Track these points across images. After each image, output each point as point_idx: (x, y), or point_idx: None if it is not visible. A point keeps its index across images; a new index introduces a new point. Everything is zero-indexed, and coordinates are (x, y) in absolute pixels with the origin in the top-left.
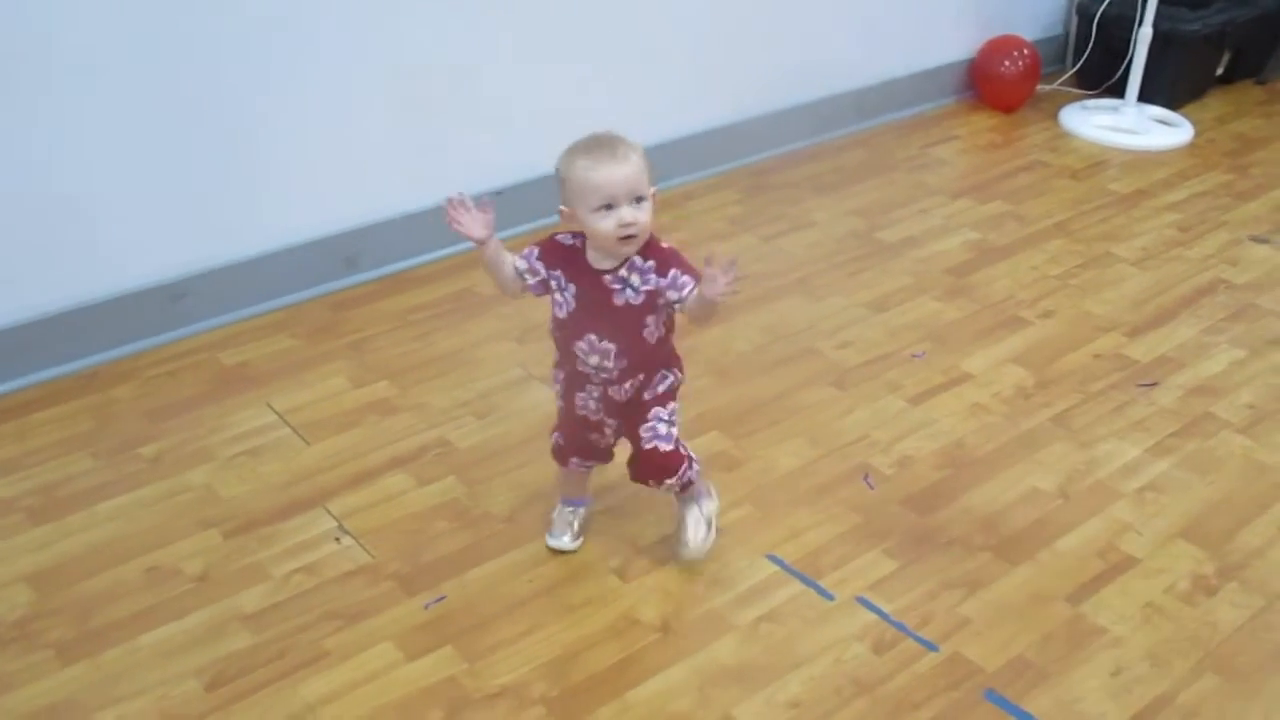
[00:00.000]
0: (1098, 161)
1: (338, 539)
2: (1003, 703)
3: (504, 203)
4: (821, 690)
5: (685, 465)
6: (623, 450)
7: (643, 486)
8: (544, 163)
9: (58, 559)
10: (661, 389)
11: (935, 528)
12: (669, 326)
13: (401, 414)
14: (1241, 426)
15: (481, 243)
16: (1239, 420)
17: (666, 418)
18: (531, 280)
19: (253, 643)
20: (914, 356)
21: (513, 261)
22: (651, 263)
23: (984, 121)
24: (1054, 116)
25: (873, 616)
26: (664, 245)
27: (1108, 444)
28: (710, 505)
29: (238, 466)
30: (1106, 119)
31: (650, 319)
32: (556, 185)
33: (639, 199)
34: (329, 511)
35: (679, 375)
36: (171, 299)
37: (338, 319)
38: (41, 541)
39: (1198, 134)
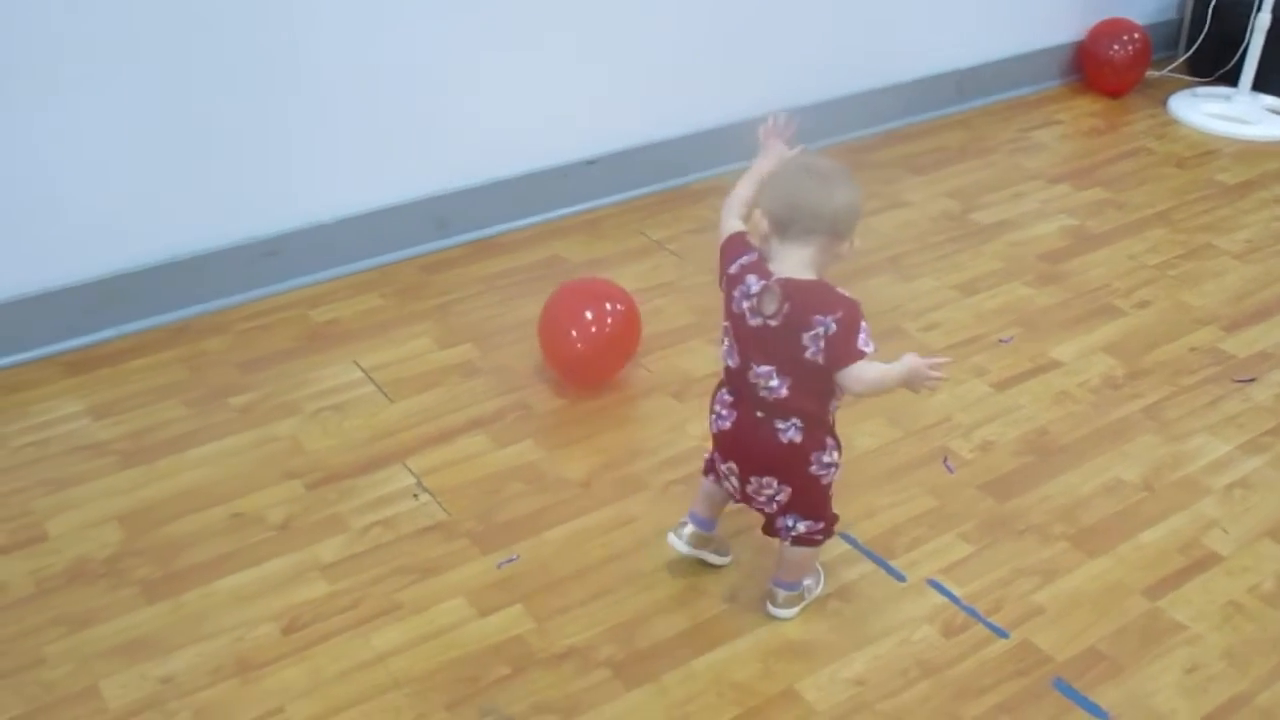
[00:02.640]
0: (1206, 151)
1: (416, 495)
2: (1071, 693)
3: (594, 172)
4: (887, 670)
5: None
6: None
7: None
8: (640, 131)
9: (147, 501)
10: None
11: (1013, 514)
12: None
13: (483, 376)
14: None
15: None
16: None
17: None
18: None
19: (329, 591)
20: (1001, 341)
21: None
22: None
23: (1088, 106)
24: (1162, 104)
25: (943, 599)
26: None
27: (1198, 438)
28: (814, 586)
29: (323, 420)
30: (1217, 107)
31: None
32: (844, 214)
33: None
34: (408, 468)
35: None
36: (265, 255)
37: (426, 281)
38: (133, 484)
39: None
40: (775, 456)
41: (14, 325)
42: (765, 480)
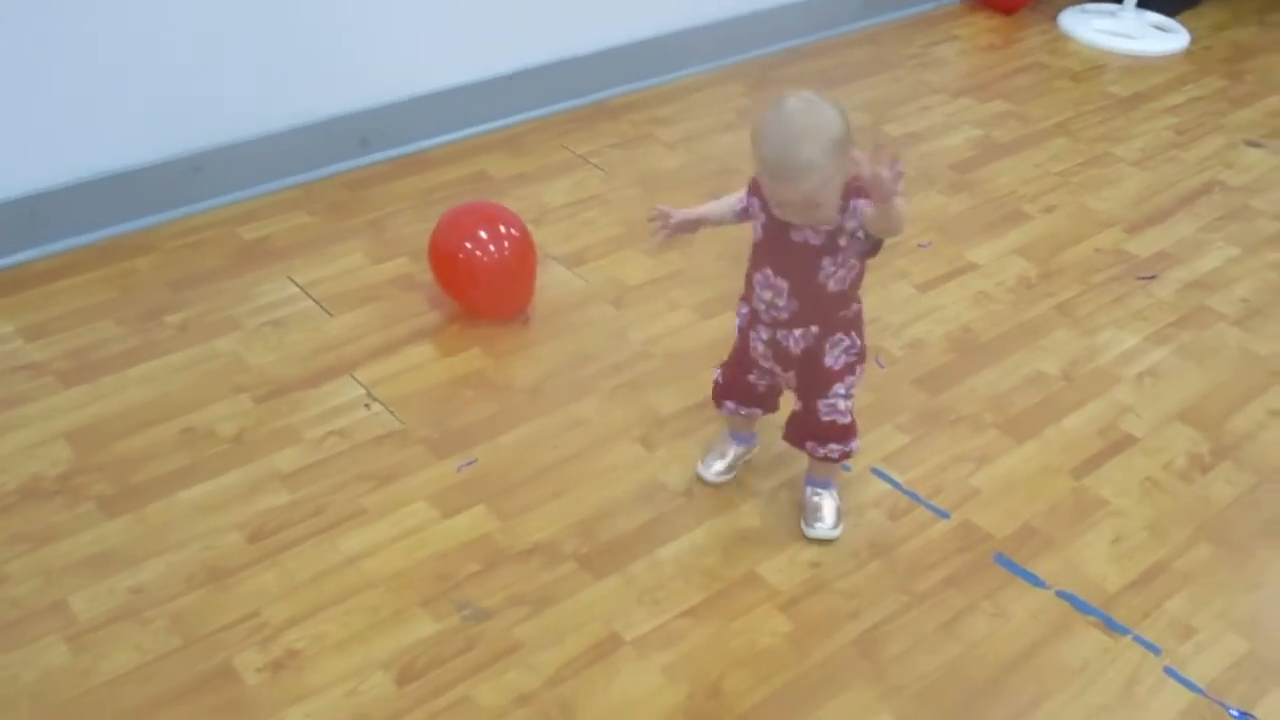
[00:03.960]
0: (1097, 65)
1: (367, 405)
2: (1011, 565)
3: (514, 87)
4: (840, 552)
5: (854, 436)
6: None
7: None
8: (559, 46)
9: (94, 419)
10: (843, 360)
11: (944, 406)
12: (854, 282)
13: (422, 289)
14: (1236, 319)
15: (692, 227)
16: (1233, 313)
17: (845, 392)
18: (737, 207)
19: (291, 499)
20: (920, 246)
21: (732, 202)
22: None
23: (984, 23)
24: (1053, 20)
25: (886, 486)
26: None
27: (1108, 332)
28: (838, 499)
29: (264, 336)
30: (1105, 23)
31: (828, 261)
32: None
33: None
34: (356, 379)
35: (860, 343)
36: (190, 171)
37: (353, 197)
38: (76, 402)
39: (1194, 41)
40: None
41: None
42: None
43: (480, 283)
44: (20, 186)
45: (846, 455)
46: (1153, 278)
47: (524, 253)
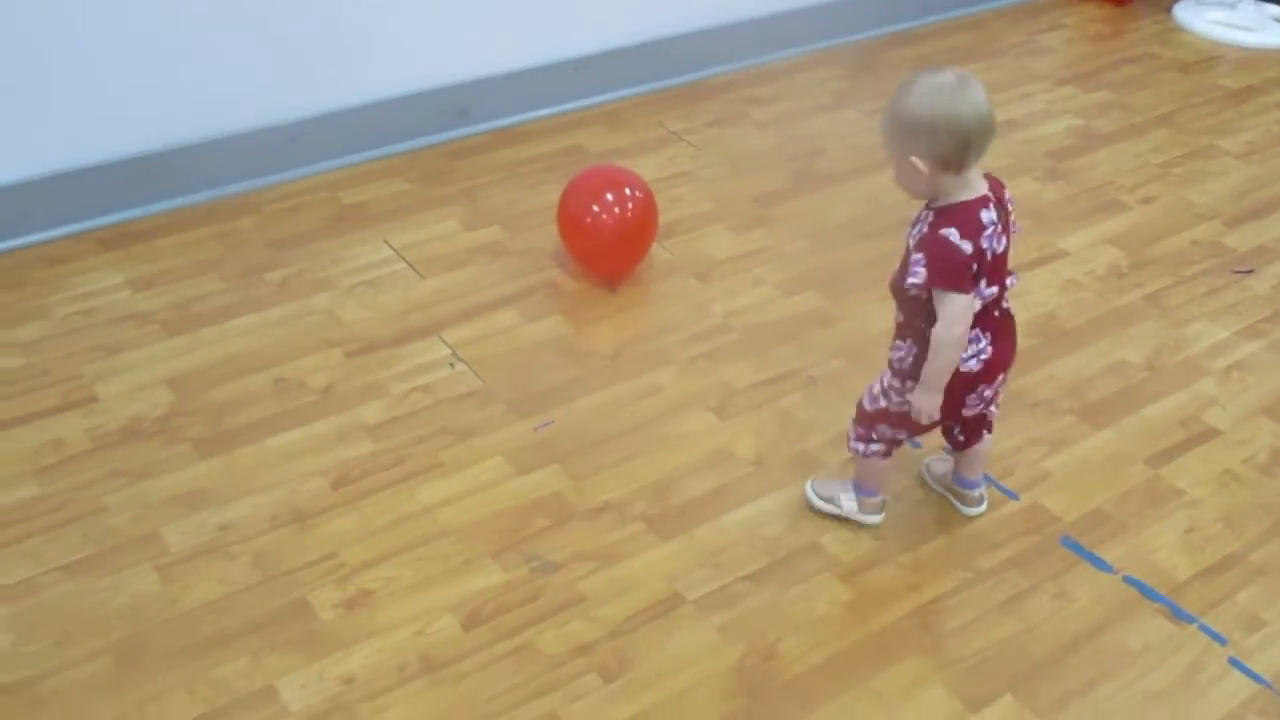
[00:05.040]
0: (1209, 57)
1: (452, 365)
2: (1078, 548)
3: (613, 64)
4: (905, 525)
5: (852, 438)
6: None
7: None
8: (658, 25)
9: (194, 366)
10: (894, 355)
11: (1023, 390)
12: (909, 317)
13: (511, 256)
14: None
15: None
16: None
17: (869, 394)
18: None
19: (374, 449)
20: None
21: None
22: (927, 223)
23: (1095, 12)
24: (1167, 10)
25: None
26: (941, 230)
27: (1198, 324)
28: (844, 497)
29: (357, 295)
30: (1222, 14)
31: (911, 263)
32: None
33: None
34: (443, 340)
35: (913, 351)
36: (291, 139)
37: (451, 167)
38: (178, 350)
39: None
40: (1014, 325)
41: (49, 201)
42: (1010, 365)
43: (605, 242)
44: (133, 146)
45: (853, 448)
46: (1250, 272)
47: (646, 217)
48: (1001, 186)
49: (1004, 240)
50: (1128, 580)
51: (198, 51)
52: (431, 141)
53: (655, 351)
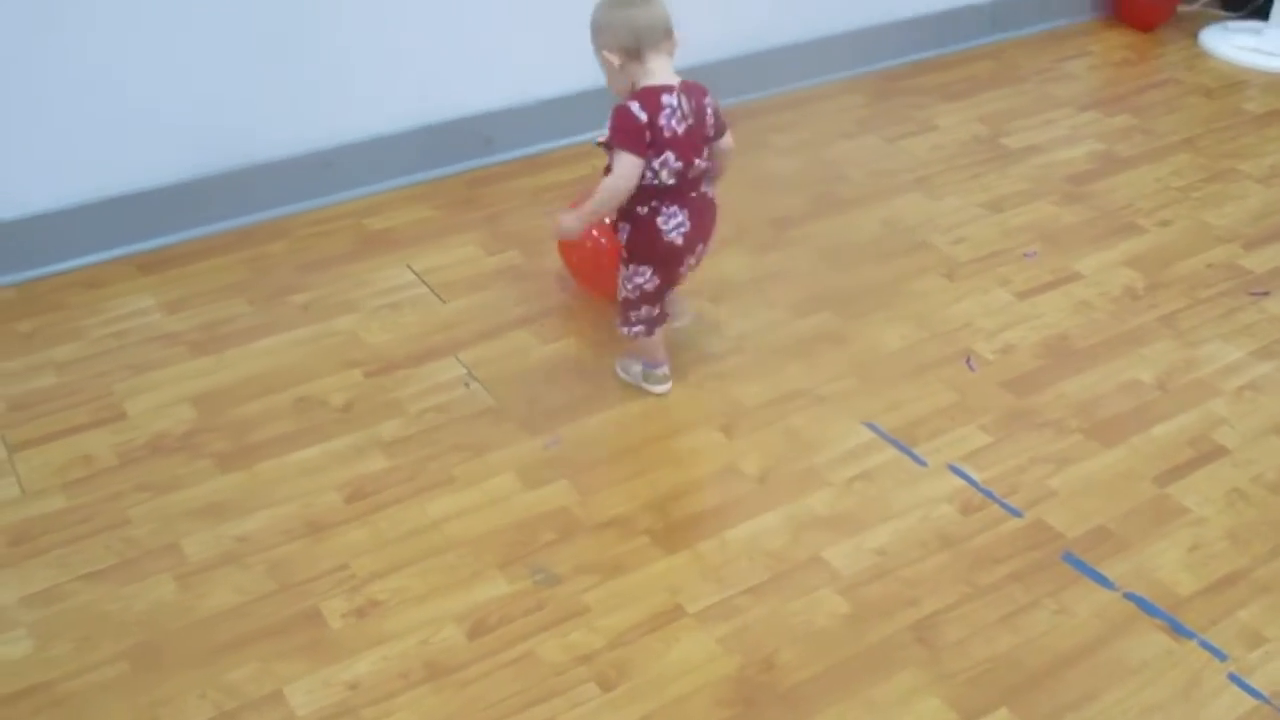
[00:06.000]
0: (1235, 82)
1: (467, 384)
2: (1080, 564)
3: None
4: (907, 541)
5: (619, 323)
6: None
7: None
8: (680, 54)
9: (218, 385)
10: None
11: (1031, 409)
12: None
13: (529, 280)
14: None
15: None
16: None
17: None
18: None
19: (388, 465)
20: (1026, 255)
21: None
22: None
23: (1120, 39)
24: (1193, 36)
25: (961, 482)
26: (628, 102)
27: (1212, 345)
28: (634, 366)
29: (380, 317)
30: (1248, 40)
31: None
32: None
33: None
34: (460, 360)
35: (626, 230)
36: (322, 166)
37: (474, 194)
38: (204, 370)
39: None
40: (714, 206)
41: (91, 227)
42: (713, 233)
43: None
44: (170, 175)
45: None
46: (1266, 294)
47: None
48: (704, 93)
49: (688, 127)
50: (1129, 596)
51: (232, 83)
52: (457, 170)
53: None
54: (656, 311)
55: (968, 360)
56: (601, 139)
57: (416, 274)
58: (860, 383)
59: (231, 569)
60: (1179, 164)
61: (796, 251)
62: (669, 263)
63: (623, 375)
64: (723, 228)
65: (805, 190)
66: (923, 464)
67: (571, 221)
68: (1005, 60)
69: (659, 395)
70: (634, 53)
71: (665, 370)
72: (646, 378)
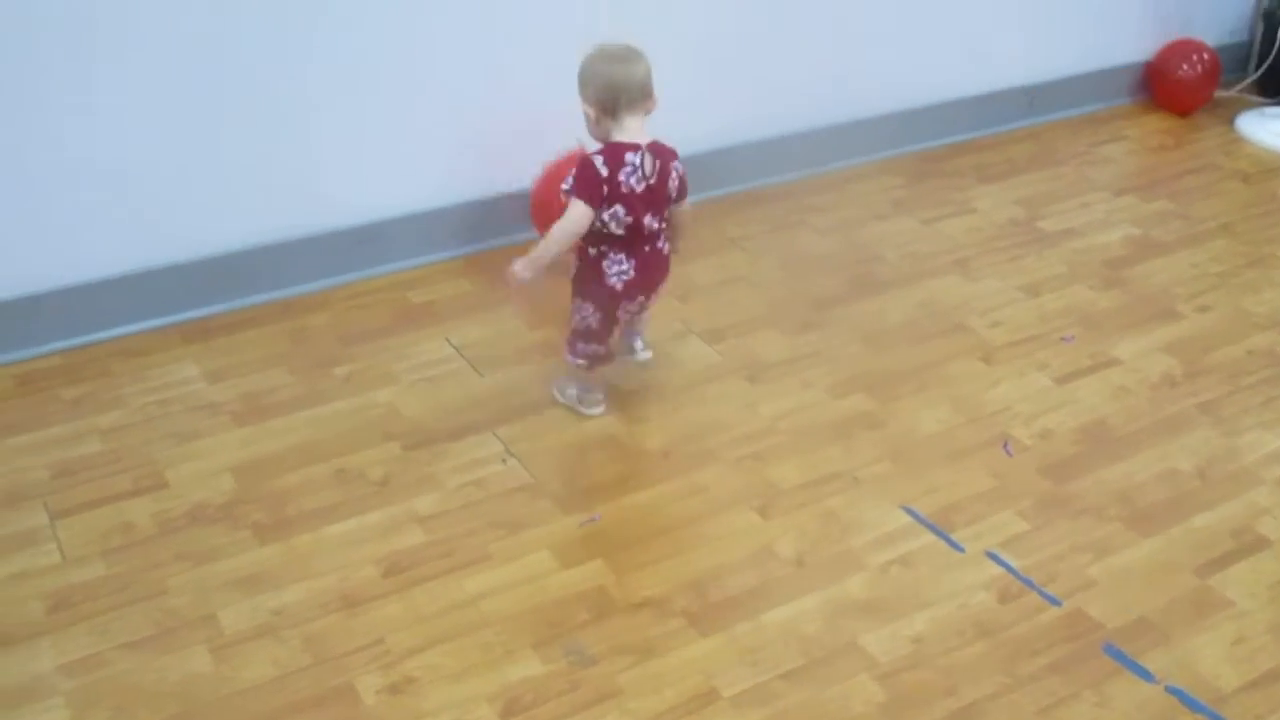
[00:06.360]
0: (1272, 167)
1: (504, 460)
2: (1120, 656)
3: None
4: (944, 630)
5: (566, 353)
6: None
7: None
8: (717, 134)
9: (259, 455)
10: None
11: (1070, 496)
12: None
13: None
14: None
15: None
16: None
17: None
18: None
19: (425, 540)
20: (1063, 340)
21: None
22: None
23: (1157, 124)
24: (1230, 122)
25: (1000, 570)
26: (592, 154)
27: (1253, 434)
28: (570, 389)
29: (419, 390)
30: None
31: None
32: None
33: None
34: (497, 435)
35: (577, 266)
36: (364, 240)
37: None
38: (245, 440)
39: None
40: (667, 263)
41: (137, 296)
42: (660, 290)
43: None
44: (216, 247)
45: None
46: None
47: None
48: (672, 155)
49: (647, 186)
50: (1170, 690)
51: (277, 159)
52: (497, 244)
53: (703, 451)
54: (603, 350)
55: (1005, 445)
56: (565, 186)
57: (455, 348)
58: (897, 466)
59: (267, 641)
60: (1217, 249)
61: (833, 332)
62: (608, 304)
63: (558, 397)
64: (759, 306)
65: (842, 271)
66: (960, 550)
67: (523, 267)
68: (1043, 143)
69: (592, 417)
70: (609, 108)
71: (599, 395)
72: (581, 400)
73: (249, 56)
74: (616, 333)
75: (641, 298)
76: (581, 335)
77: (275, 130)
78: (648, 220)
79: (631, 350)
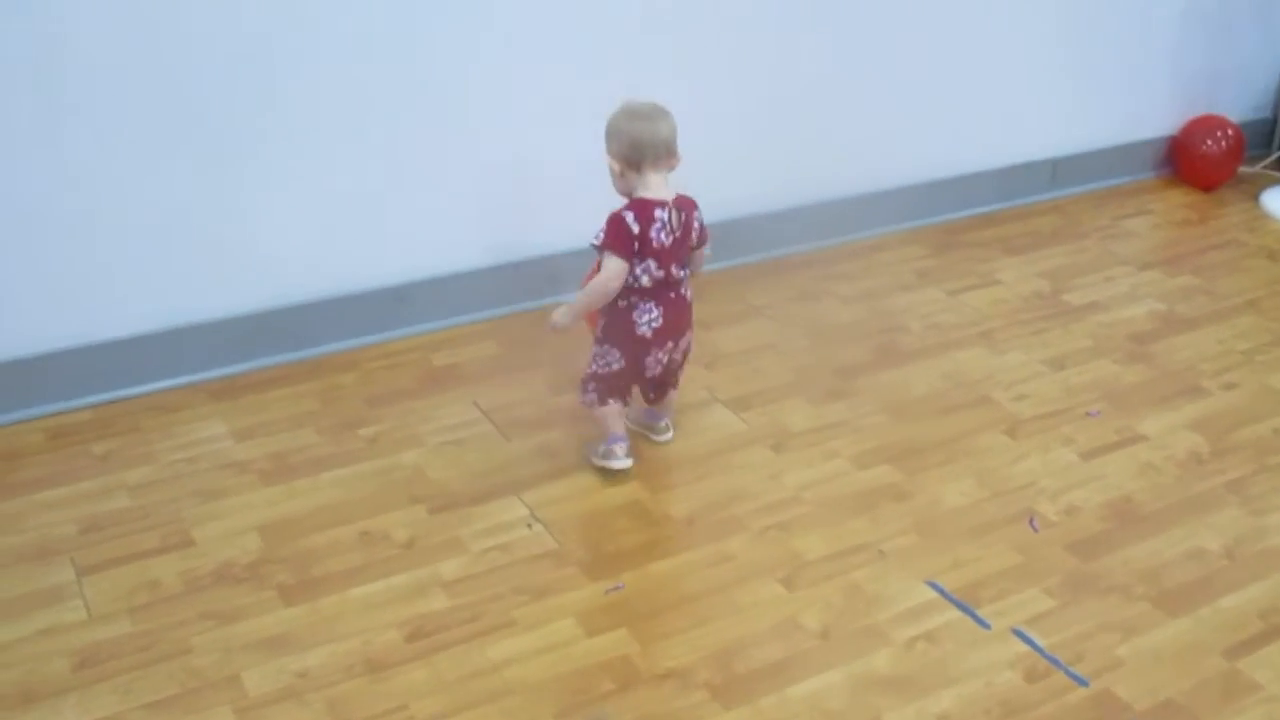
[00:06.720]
0: None
1: (529, 525)
2: None
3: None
4: (971, 708)
5: (580, 397)
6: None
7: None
8: (743, 202)
9: (285, 515)
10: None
11: (1096, 574)
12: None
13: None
14: None
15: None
16: None
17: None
18: None
19: (449, 605)
20: (1089, 414)
21: None
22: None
23: (1181, 199)
24: (1254, 198)
25: (1026, 648)
26: (623, 211)
27: None
28: (599, 447)
29: (444, 453)
30: None
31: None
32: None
33: None
34: (522, 500)
35: (605, 317)
36: (394, 302)
37: (541, 332)
38: (271, 499)
39: None
40: (690, 308)
41: (166, 353)
42: (686, 336)
43: None
44: (246, 305)
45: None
46: None
47: None
48: (693, 206)
49: (674, 239)
50: None
51: (309, 218)
52: (524, 308)
53: (728, 520)
54: (615, 397)
55: (1031, 520)
56: (595, 241)
57: (482, 411)
58: (922, 539)
59: (291, 705)
60: (1243, 326)
61: (858, 402)
62: (637, 352)
63: (593, 460)
64: (784, 375)
65: (866, 341)
66: (986, 626)
67: (562, 316)
68: (1067, 216)
69: (619, 471)
70: (634, 164)
71: (624, 446)
72: (604, 455)
73: (283, 117)
74: (635, 389)
75: (670, 343)
76: (601, 379)
77: (307, 191)
78: (673, 270)
79: (654, 430)
